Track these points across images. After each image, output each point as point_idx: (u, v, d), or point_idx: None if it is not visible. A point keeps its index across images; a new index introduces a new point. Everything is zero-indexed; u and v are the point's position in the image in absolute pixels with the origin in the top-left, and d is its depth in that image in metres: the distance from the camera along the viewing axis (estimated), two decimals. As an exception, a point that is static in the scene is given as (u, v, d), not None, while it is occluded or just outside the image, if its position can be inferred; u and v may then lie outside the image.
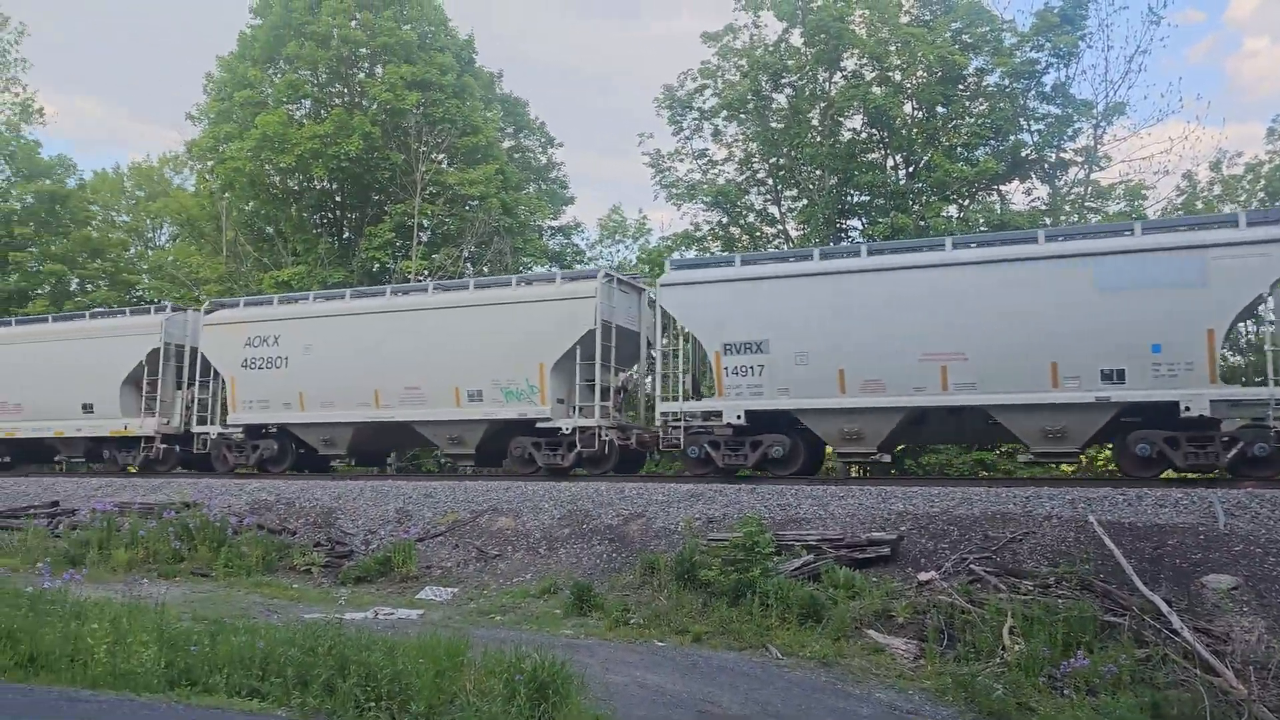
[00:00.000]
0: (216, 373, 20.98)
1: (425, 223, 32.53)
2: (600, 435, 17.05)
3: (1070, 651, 8.40)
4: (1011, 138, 26.38)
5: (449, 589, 12.63)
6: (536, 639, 8.95)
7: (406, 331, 18.75)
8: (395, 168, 31.79)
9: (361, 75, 33.51)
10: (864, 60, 27.46)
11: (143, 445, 21.70)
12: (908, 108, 27.29)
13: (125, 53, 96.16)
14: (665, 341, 17.35)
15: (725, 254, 20.36)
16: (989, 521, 11.64)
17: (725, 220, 30.29)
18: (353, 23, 32.40)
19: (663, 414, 16.75)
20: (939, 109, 26.84)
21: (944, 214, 25.67)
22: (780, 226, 30.15)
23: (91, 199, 43.54)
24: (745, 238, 30.00)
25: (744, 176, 30.27)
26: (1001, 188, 27.58)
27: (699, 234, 30.16)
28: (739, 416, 15.89)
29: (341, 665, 6.80)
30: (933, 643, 9.12)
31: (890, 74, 27.01)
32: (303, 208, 34.27)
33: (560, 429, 17.27)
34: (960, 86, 26.87)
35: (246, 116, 32.08)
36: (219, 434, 20.79)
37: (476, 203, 32.24)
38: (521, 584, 12.51)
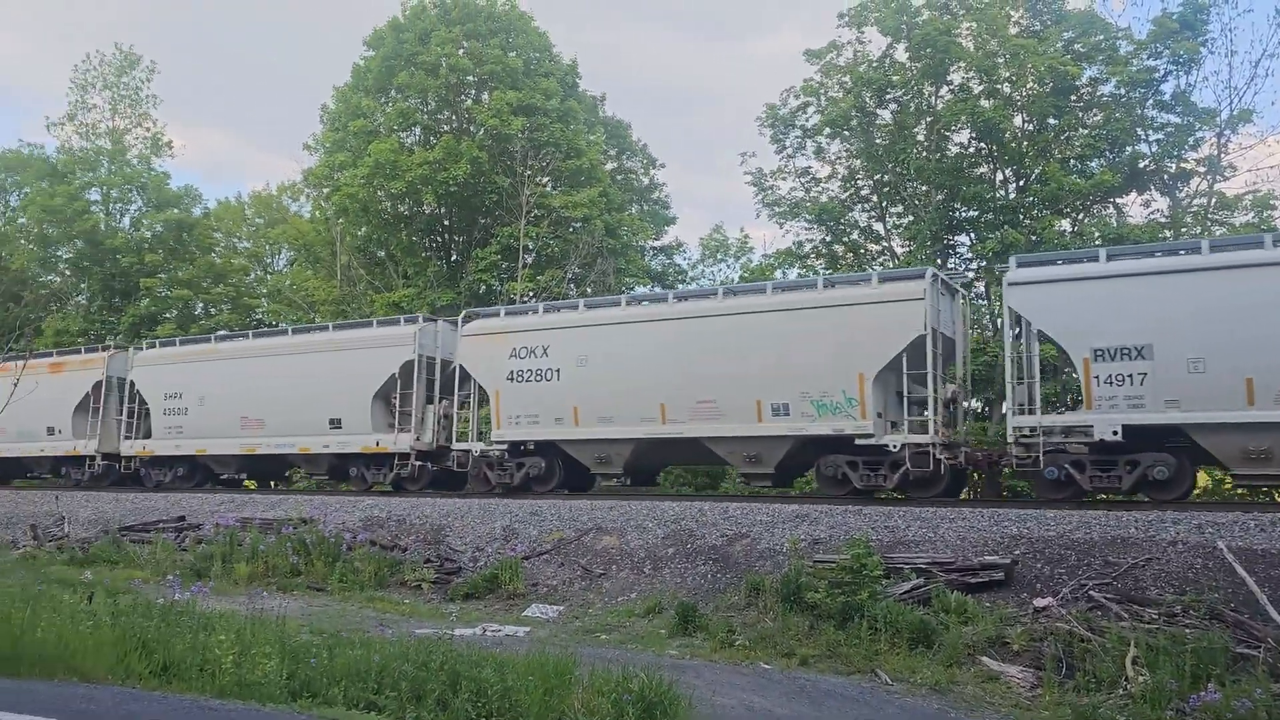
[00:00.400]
0: (479, 386, 19.82)
1: (530, 245, 33.10)
2: (934, 454, 15.32)
3: (1200, 684, 8.00)
4: (1128, 148, 25.48)
5: (555, 607, 12.75)
6: (642, 659, 8.96)
7: (698, 340, 17.21)
8: (501, 191, 32.46)
9: (469, 102, 34.37)
10: (971, 73, 26.95)
11: (396, 462, 20.52)
12: (1017, 120, 26.65)
13: (247, 88, 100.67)
14: (1015, 347, 15.57)
15: (1085, 248, 18.84)
16: (1109, 546, 11.21)
17: (829, 238, 30.03)
18: (460, 51, 33.28)
19: (1015, 429, 14.90)
20: (1050, 121, 26.13)
21: (1057, 228, 24.95)
22: (885, 244, 29.76)
23: (215, 227, 45.67)
24: (849, 255, 29.68)
25: (848, 194, 29.97)
26: (1118, 200, 26.68)
27: (802, 252, 29.96)
28: (1115, 432, 13.98)
29: (453, 681, 6.93)
30: (1050, 672, 8.81)
31: (999, 86, 26.43)
32: (413, 232, 35.27)
33: (886, 446, 15.59)
34: (1073, 97, 26.11)
35: (360, 145, 33.22)
36: (481, 451, 19.47)
37: (580, 224, 32.72)
38: (626, 603, 12.55)
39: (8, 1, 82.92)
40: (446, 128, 34.45)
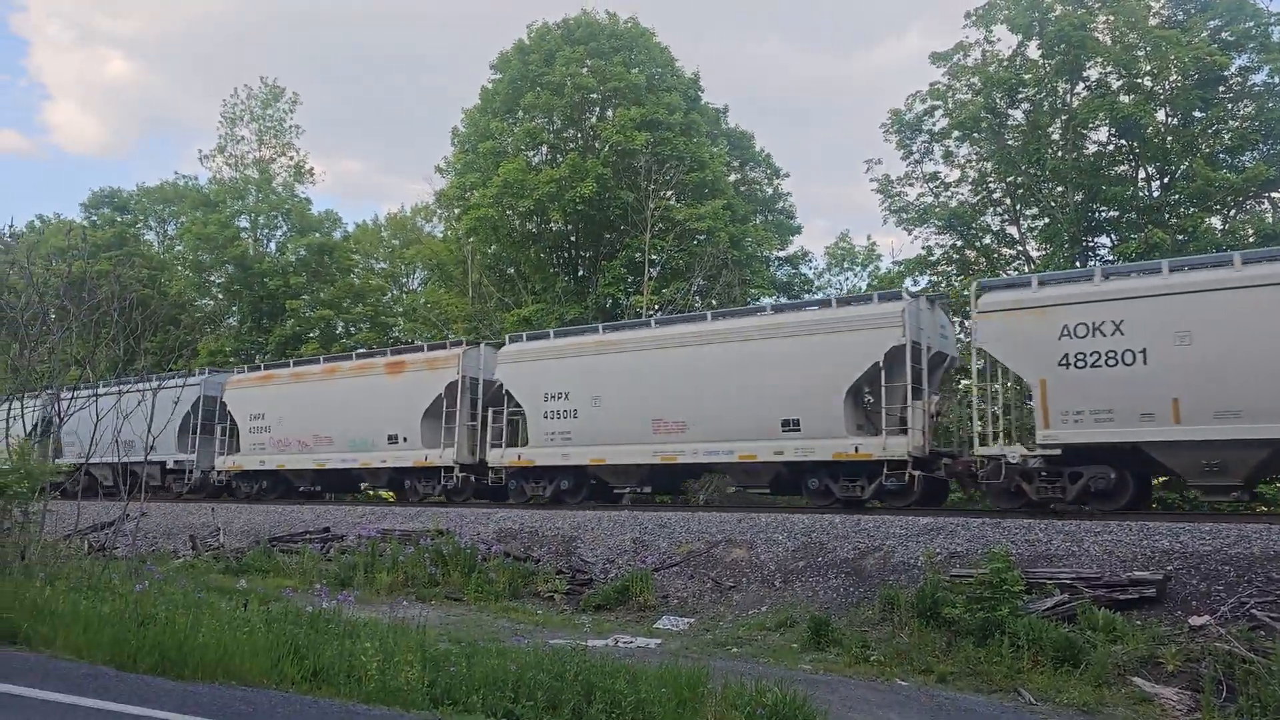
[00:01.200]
0: (1016, 377, 16.25)
1: (655, 258, 33.35)
2: None
3: (1378, 712, 7.47)
4: (1284, 140, 24.10)
5: (685, 619, 12.76)
6: (775, 672, 8.88)
7: None
8: (626, 206, 32.82)
9: (593, 119, 34.93)
10: (1109, 68, 25.94)
11: (885, 471, 16.65)
12: (1160, 115, 25.50)
13: (382, 115, 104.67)
14: None
15: None
16: (1271, 562, 10.54)
17: (960, 244, 29.31)
18: (584, 70, 33.86)
19: None
20: (1196, 114, 24.89)
21: (1206, 226, 23.73)
22: (1020, 248, 28.86)
23: (354, 249, 47.63)
24: (982, 260, 28.90)
25: (979, 198, 29.21)
26: (1274, 195, 25.21)
27: (932, 258, 29.32)
28: None
29: (588, 691, 7.01)
30: (1209, 694, 8.34)
31: (1139, 81, 25.35)
32: (540, 248, 36.03)
33: None
34: (1221, 88, 24.85)
35: (489, 165, 34.14)
36: (1019, 458, 15.43)
37: (705, 237, 32.79)
38: (757, 616, 12.45)
39: (169, 51, 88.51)
40: (572, 145, 35.09)
